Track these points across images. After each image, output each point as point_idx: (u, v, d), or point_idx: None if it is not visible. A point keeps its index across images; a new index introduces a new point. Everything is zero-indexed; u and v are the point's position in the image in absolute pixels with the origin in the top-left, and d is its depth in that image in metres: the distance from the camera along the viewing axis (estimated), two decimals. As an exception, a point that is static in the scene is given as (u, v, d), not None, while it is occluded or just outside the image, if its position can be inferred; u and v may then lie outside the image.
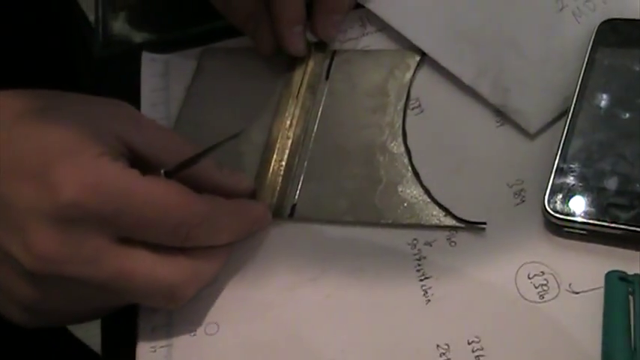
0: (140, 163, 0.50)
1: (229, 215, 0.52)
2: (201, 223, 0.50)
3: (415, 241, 0.53)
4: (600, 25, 0.56)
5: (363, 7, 0.62)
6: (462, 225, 0.52)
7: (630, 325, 0.46)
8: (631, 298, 0.47)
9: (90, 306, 0.51)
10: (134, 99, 0.62)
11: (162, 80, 0.64)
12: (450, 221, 0.53)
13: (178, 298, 0.50)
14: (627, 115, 0.53)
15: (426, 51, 0.60)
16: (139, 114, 0.54)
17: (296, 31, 0.59)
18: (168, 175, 0.50)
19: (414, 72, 0.60)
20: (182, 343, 0.52)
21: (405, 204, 0.54)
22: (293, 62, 0.61)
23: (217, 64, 0.63)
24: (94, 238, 0.47)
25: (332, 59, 0.62)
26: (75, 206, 0.46)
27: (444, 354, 0.48)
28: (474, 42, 0.59)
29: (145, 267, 0.48)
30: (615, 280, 0.48)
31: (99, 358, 0.55)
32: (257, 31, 0.60)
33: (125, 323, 0.53)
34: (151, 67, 0.64)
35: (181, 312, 0.52)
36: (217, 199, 0.52)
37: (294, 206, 0.56)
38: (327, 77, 0.61)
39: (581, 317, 0.48)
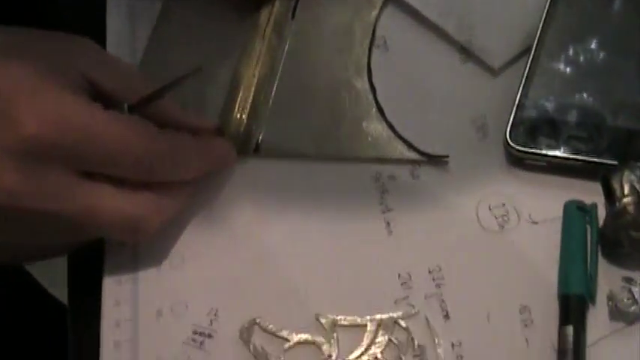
0: (103, 99, 0.50)
1: (193, 151, 0.52)
2: (164, 157, 0.50)
3: (378, 175, 0.53)
4: (564, -38, 0.56)
5: (328, -55, 0.62)
6: (425, 159, 0.53)
7: (587, 254, 0.47)
8: (588, 227, 0.48)
9: (54, 241, 0.51)
10: (100, 40, 0.62)
11: (127, 20, 0.63)
12: (413, 155, 0.53)
13: (143, 232, 0.50)
14: (588, 49, 0.53)
15: (391, -11, 0.60)
16: (103, 50, 0.55)
17: None
18: (132, 110, 0.50)
19: (380, 10, 0.60)
20: (148, 276, 0.52)
21: (370, 139, 0.54)
22: (259, 2, 0.61)
23: (183, 4, 0.63)
24: (57, 172, 0.47)
25: (298, -1, 0.62)
26: (37, 140, 0.46)
27: (405, 283, 0.49)
28: (440, -20, 0.59)
29: (109, 201, 0.49)
30: (573, 210, 0.48)
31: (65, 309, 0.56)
32: None
33: (91, 259, 0.54)
34: (117, 6, 0.64)
35: (147, 246, 0.53)
36: (181, 135, 0.52)
37: (259, 143, 0.56)
38: (293, 17, 0.61)
39: (540, 246, 0.48)
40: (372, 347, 0.48)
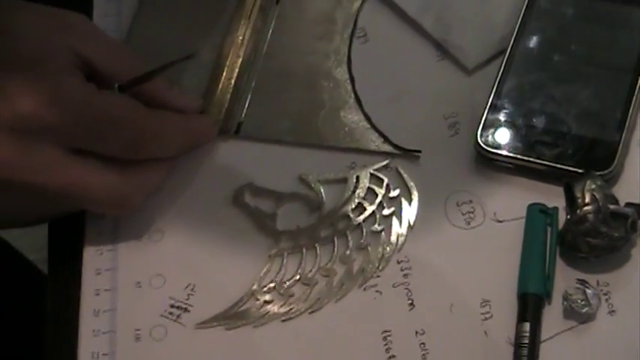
0: (94, 76, 0.52)
1: (178, 130, 0.54)
2: (151, 137, 0.52)
3: (354, 165, 0.56)
4: (541, -31, 0.59)
5: None
6: (399, 152, 0.56)
7: (546, 254, 0.50)
8: (549, 228, 0.51)
9: (41, 211, 0.53)
10: (87, 9, 0.63)
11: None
12: (387, 148, 0.56)
13: (127, 206, 0.53)
14: (559, 58, 0.56)
15: (373, -19, 0.62)
16: (94, 26, 0.56)
17: None
18: (122, 89, 0.52)
19: (362, 1, 0.62)
20: (128, 247, 0.55)
21: (347, 129, 0.57)
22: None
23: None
24: (49, 147, 0.49)
25: (283, -17, 0.63)
26: (33, 117, 0.48)
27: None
28: (420, -24, 0.61)
29: (97, 176, 0.51)
30: (536, 212, 0.52)
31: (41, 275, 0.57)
32: None
33: (72, 228, 0.55)
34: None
35: (128, 218, 0.55)
36: (167, 115, 0.54)
37: (240, 124, 0.58)
38: (277, 1, 0.63)
39: (503, 244, 0.52)
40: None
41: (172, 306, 0.53)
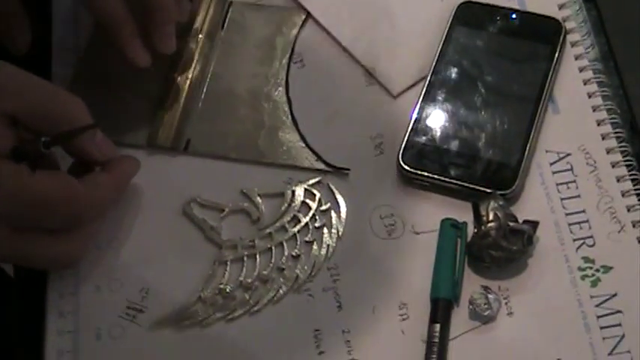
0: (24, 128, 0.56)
1: (110, 190, 0.58)
2: (88, 209, 0.56)
3: (290, 180, 0.63)
4: (459, 5, 0.66)
5: (257, -38, 0.70)
6: (330, 169, 0.63)
7: (455, 263, 0.58)
8: (458, 241, 0.59)
9: None
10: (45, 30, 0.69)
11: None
12: (320, 165, 0.63)
13: (71, 264, 0.59)
14: (471, 87, 0.64)
15: (310, 11, 0.69)
16: (21, 75, 0.56)
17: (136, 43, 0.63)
18: (47, 145, 0.56)
19: (299, 29, 0.69)
20: (88, 254, 0.61)
21: (284, 147, 0.64)
22: (195, 9, 0.69)
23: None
24: None
25: (227, 10, 0.70)
26: None
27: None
28: (352, 8, 0.68)
29: (40, 248, 0.56)
30: (447, 226, 0.59)
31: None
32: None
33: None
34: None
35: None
36: (98, 180, 0.58)
37: (188, 141, 0.65)
38: (222, 27, 0.69)
39: (419, 253, 0.59)
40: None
41: (129, 307, 0.59)
